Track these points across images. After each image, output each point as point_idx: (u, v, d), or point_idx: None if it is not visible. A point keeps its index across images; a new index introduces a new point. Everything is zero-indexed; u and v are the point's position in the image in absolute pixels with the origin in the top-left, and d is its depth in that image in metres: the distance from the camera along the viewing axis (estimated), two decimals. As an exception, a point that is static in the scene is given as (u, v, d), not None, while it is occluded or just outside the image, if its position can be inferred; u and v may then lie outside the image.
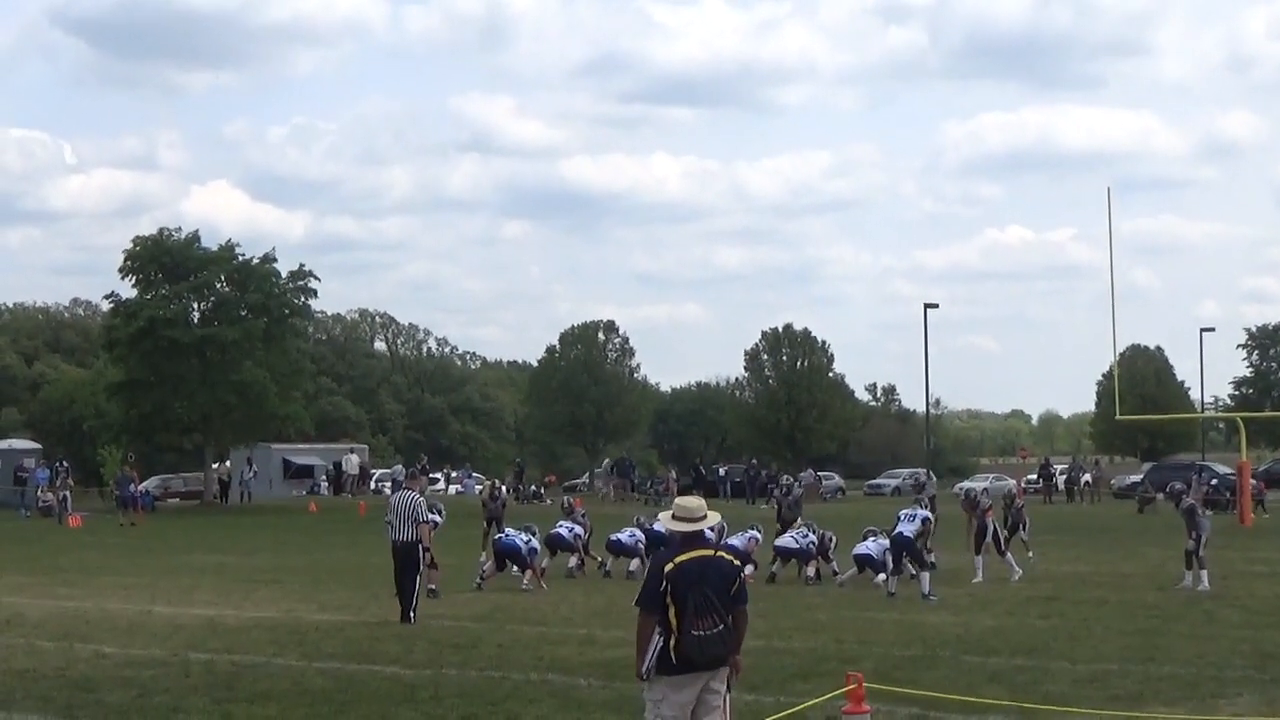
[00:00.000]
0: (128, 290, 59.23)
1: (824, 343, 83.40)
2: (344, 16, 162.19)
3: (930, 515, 24.49)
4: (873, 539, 24.57)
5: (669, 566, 8.80)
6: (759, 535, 25.92)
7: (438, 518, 24.77)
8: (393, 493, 30.05)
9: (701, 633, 8.65)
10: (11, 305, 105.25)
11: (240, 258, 59.98)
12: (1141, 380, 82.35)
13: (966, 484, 54.06)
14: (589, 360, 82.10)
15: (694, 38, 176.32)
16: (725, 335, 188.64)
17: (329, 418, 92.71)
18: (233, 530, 43.24)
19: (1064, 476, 63.18)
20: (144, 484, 55.50)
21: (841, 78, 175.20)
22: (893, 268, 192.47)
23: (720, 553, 9.07)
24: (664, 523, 9.21)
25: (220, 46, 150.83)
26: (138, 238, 59.92)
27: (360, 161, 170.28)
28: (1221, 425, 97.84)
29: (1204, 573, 22.97)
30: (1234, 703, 12.74)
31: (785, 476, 43.85)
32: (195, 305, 59.64)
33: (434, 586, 21.88)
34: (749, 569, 24.87)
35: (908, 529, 23.33)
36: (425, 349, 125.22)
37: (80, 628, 18.92)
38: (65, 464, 54.19)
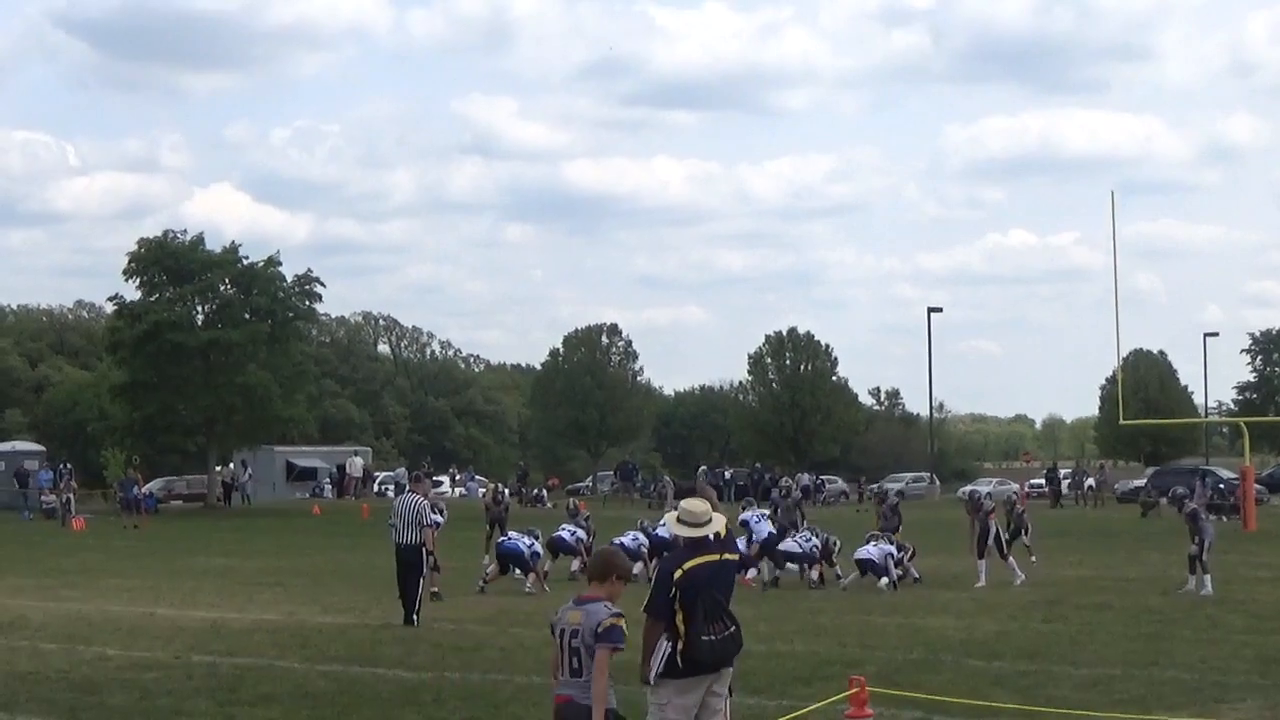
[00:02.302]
0: (132, 293, 59.36)
1: (827, 346, 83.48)
2: (347, 19, 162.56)
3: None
4: (874, 543, 24.66)
5: (678, 573, 8.76)
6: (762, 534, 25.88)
7: (439, 518, 24.78)
8: (396, 495, 30.05)
9: (713, 637, 8.63)
10: (15, 307, 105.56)
11: (244, 261, 60.04)
12: (1145, 385, 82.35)
13: (971, 486, 54.02)
14: (592, 363, 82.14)
15: (696, 41, 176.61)
16: (728, 339, 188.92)
17: (332, 420, 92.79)
18: (236, 533, 43.26)
19: (1067, 481, 63.16)
20: (147, 486, 55.55)
21: (844, 81, 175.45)
22: (896, 271, 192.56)
23: (725, 555, 9.05)
24: (670, 526, 9.19)
25: (223, 49, 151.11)
26: (142, 240, 60.07)
27: (363, 164, 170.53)
28: (1225, 430, 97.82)
29: (1207, 577, 22.95)
30: (1237, 708, 12.72)
31: (784, 479, 43.68)
32: (199, 308, 59.71)
33: (436, 589, 21.90)
34: (751, 572, 24.89)
35: (879, 552, 24.06)
36: (429, 352, 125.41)
37: (83, 630, 18.93)
38: (69, 466, 54.23)
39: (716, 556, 8.94)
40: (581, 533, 26.84)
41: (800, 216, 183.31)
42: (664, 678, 8.73)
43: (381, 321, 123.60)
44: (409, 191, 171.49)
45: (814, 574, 25.01)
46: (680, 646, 8.66)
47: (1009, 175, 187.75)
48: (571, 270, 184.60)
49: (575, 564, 26.56)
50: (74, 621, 19.98)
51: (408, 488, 24.24)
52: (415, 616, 19.22)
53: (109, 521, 47.71)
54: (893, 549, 24.69)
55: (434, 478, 56.75)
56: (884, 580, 23.71)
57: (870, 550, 24.36)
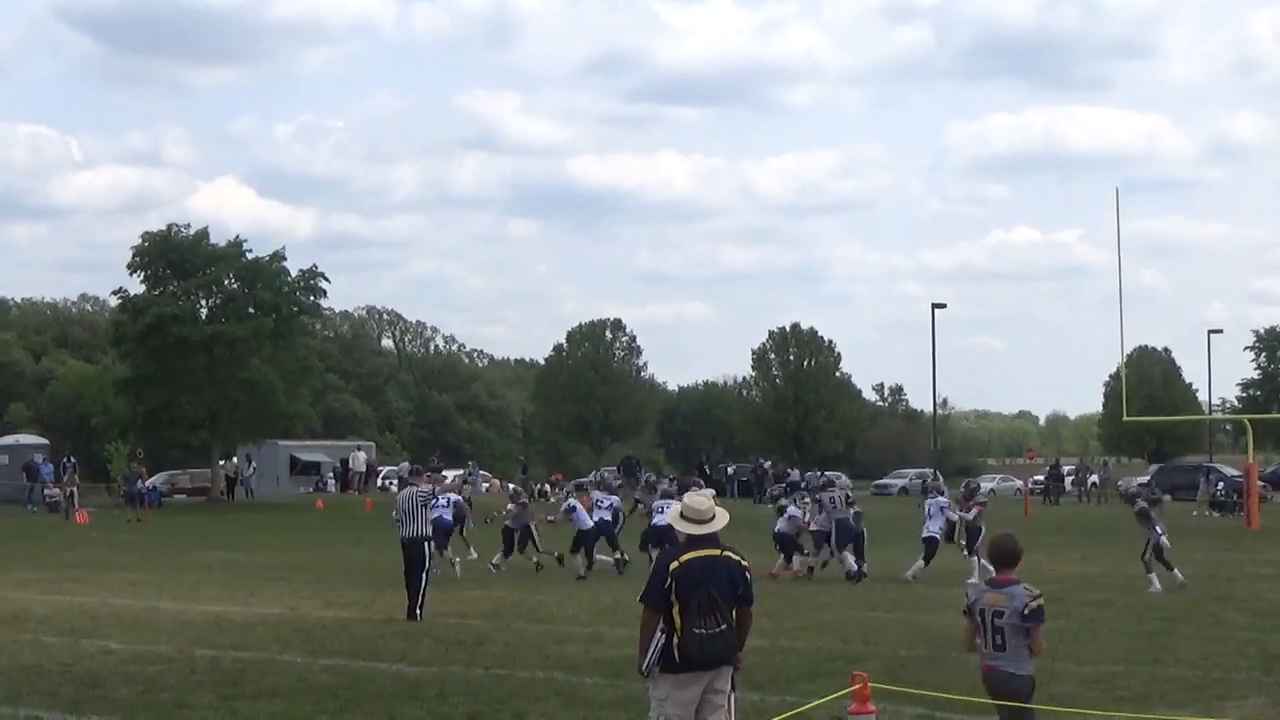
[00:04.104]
0: (136, 286, 59.28)
1: (831, 342, 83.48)
2: (351, 14, 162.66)
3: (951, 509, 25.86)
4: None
5: (674, 565, 8.80)
6: (800, 514, 26.25)
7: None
8: (399, 490, 30.06)
9: (703, 631, 8.65)
10: (19, 301, 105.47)
11: (248, 255, 59.98)
12: (1149, 382, 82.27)
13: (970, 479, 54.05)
14: (596, 359, 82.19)
15: (700, 37, 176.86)
16: (732, 334, 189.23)
17: (336, 415, 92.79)
18: (239, 527, 43.25)
19: (1071, 478, 63.16)
20: (151, 480, 55.50)
21: (848, 77, 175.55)
22: (900, 268, 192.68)
23: (727, 552, 9.05)
24: (673, 521, 9.18)
25: (227, 43, 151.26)
26: (146, 234, 59.91)
27: (367, 159, 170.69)
28: (1229, 427, 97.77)
29: (1153, 575, 23.06)
30: (1240, 705, 12.72)
31: (693, 478, 42.06)
32: (203, 302, 59.64)
33: None
34: (794, 561, 25.31)
35: (934, 527, 24.96)
36: (432, 346, 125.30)
37: (86, 623, 18.95)
38: (73, 460, 54.20)
39: (716, 552, 8.95)
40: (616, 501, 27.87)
41: (804, 213, 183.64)
42: (662, 672, 8.75)
43: (385, 316, 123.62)
44: (413, 187, 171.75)
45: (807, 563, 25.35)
46: (675, 640, 8.69)
47: (1013, 172, 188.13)
48: (575, 266, 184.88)
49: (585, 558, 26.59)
50: (77, 615, 19.99)
51: (409, 481, 24.24)
52: (419, 611, 19.23)
53: (112, 515, 47.69)
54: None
55: (441, 471, 56.63)
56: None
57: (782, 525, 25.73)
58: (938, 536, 25.17)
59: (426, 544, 19.67)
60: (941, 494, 26.63)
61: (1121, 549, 32.58)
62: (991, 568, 9.94)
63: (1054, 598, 21.76)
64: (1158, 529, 23.55)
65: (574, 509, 26.70)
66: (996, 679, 9.24)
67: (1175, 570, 23.19)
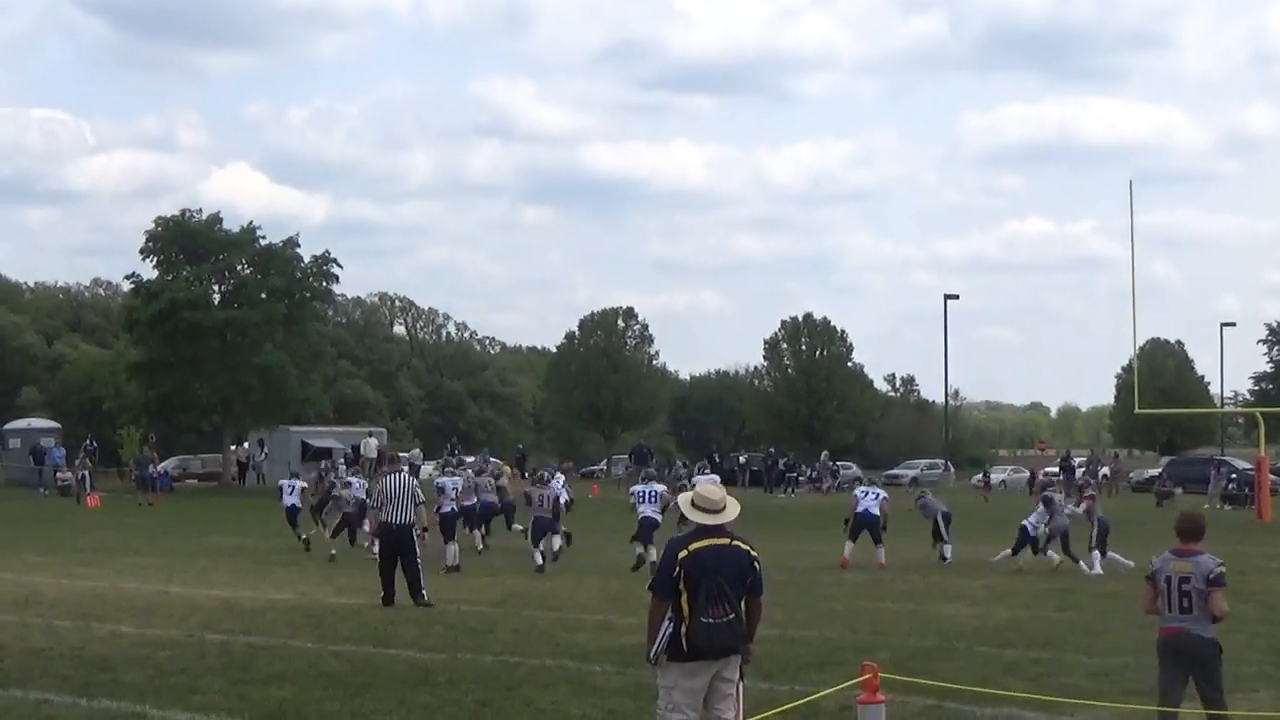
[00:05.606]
0: (149, 271, 59.40)
1: (843, 332, 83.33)
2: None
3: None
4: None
5: (683, 553, 8.80)
6: (888, 496, 27.69)
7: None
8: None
9: (711, 621, 8.65)
10: (32, 285, 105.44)
11: (262, 241, 60.04)
12: (1161, 374, 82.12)
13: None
14: (608, 347, 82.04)
15: (715, 25, 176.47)
16: (744, 324, 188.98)
17: (348, 401, 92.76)
18: (250, 512, 43.35)
19: (1082, 470, 63.02)
20: (163, 465, 55.64)
21: (862, 67, 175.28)
22: (912, 258, 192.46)
23: (736, 541, 9.04)
24: (684, 510, 9.18)
25: (241, 28, 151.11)
26: (159, 218, 60.09)
27: (381, 145, 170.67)
28: (1241, 420, 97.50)
29: (1052, 553, 24.78)
30: (1250, 698, 12.68)
31: (678, 463, 41.86)
32: (216, 287, 59.73)
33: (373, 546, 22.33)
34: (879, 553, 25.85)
35: (1032, 519, 25.51)
36: (444, 333, 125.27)
37: (97, 607, 18.99)
38: (94, 444, 54.28)
39: (726, 541, 8.94)
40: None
41: (817, 202, 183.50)
42: (670, 660, 8.76)
43: (398, 303, 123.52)
44: (426, 173, 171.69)
45: None
46: (683, 628, 8.69)
47: (1027, 163, 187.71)
48: (588, 253, 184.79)
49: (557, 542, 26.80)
50: (88, 599, 20.05)
51: (397, 468, 24.20)
52: (423, 593, 19.30)
53: (124, 500, 47.85)
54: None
55: (460, 458, 56.48)
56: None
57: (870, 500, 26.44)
58: (1029, 527, 25.52)
59: (413, 529, 19.75)
60: (1053, 487, 27.43)
61: (1131, 541, 32.53)
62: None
63: (1064, 589, 21.88)
64: (1059, 516, 25.01)
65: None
66: (1184, 640, 9.97)
67: (1039, 555, 24.92)
